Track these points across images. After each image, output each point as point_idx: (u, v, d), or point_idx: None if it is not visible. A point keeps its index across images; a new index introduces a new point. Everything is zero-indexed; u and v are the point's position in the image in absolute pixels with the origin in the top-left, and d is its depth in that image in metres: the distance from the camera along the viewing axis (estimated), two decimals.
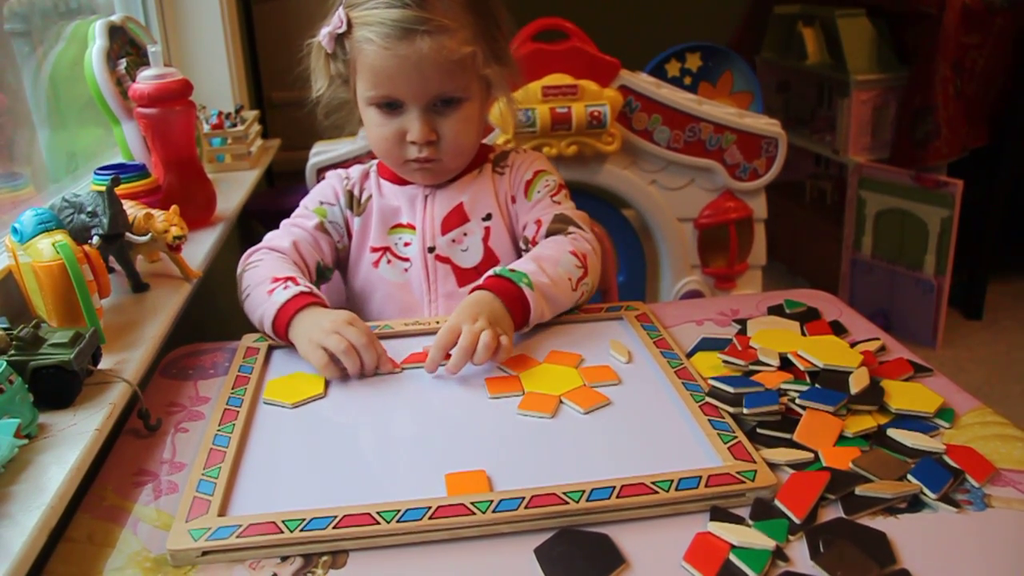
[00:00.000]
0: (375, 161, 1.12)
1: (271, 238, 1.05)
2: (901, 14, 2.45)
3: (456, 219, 1.07)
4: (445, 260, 1.06)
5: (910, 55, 2.43)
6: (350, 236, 1.10)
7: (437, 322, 0.95)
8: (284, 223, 1.08)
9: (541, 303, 0.92)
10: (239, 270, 1.00)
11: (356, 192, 1.10)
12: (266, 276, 0.94)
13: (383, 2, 0.94)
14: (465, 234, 1.07)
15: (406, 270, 1.07)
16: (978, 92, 2.35)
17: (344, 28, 0.97)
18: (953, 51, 2.27)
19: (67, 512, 0.64)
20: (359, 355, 0.84)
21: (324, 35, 1.00)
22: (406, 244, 1.07)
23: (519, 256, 1.08)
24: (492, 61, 1.02)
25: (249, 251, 1.03)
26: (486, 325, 0.85)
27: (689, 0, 3.20)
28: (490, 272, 0.94)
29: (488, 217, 1.07)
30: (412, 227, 1.07)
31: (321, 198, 1.10)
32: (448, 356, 0.84)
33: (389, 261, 1.07)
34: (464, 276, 1.06)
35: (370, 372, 0.85)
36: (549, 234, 1.03)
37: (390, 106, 0.99)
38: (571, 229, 1.03)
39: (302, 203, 1.11)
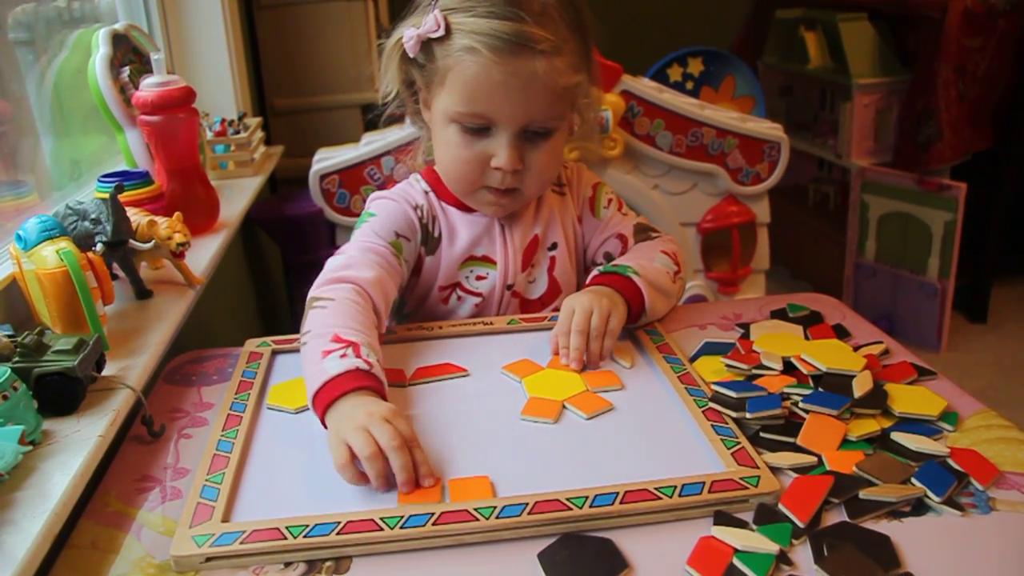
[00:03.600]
0: (418, 176, 1.03)
1: (350, 264, 0.91)
2: (903, 17, 2.45)
3: (532, 253, 1.02)
4: (518, 295, 1.02)
5: (912, 58, 2.43)
6: (417, 271, 1.00)
7: (440, 327, 0.96)
8: (358, 247, 0.94)
9: (651, 291, 0.92)
10: (310, 295, 0.87)
11: (431, 227, 0.99)
12: (328, 330, 0.80)
13: (494, 12, 0.85)
14: (533, 266, 1.02)
15: (477, 305, 1.01)
16: (981, 95, 2.34)
17: (441, 33, 0.87)
18: (955, 54, 2.27)
19: (71, 519, 0.64)
20: (384, 460, 0.67)
21: (411, 37, 0.90)
22: (479, 278, 1.00)
23: (579, 284, 1.07)
24: (589, 92, 0.96)
25: (326, 275, 0.89)
26: (594, 305, 0.87)
27: (691, 5, 3.21)
28: (594, 272, 0.95)
29: (554, 247, 1.03)
30: (490, 260, 1.00)
31: (396, 229, 0.97)
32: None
33: (459, 297, 1.01)
34: (529, 308, 1.03)
35: (402, 484, 0.67)
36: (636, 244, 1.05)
37: (477, 128, 0.90)
38: (653, 235, 1.06)
39: (368, 227, 0.97)
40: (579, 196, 1.06)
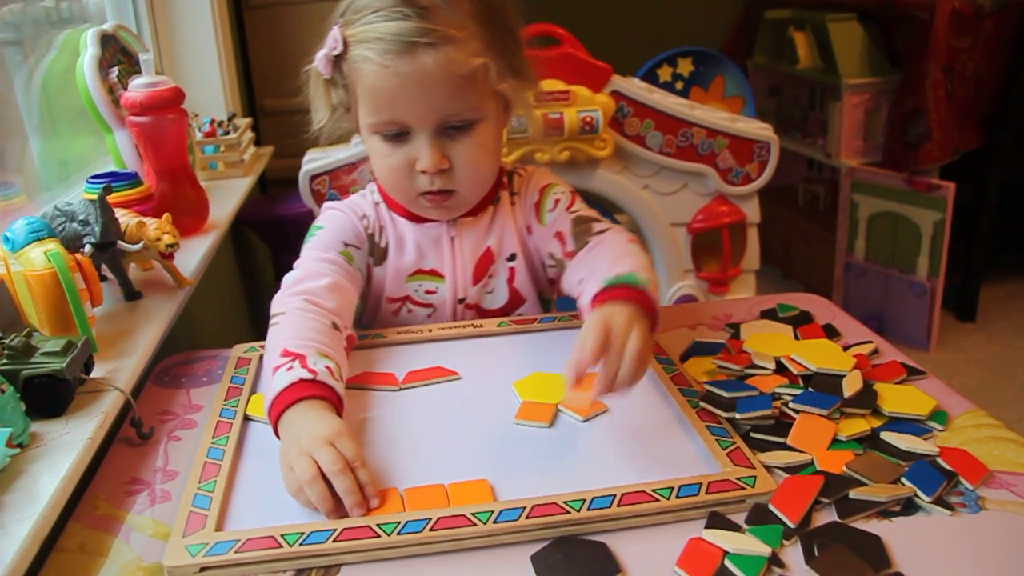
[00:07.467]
0: (373, 187, 1.00)
1: (303, 277, 0.88)
2: (891, 18, 2.46)
3: (485, 265, 0.98)
4: (472, 307, 1.00)
5: (901, 59, 2.44)
6: (369, 281, 0.99)
7: (430, 330, 0.95)
8: (308, 258, 0.93)
9: (656, 297, 0.82)
10: (271, 313, 0.85)
11: (377, 237, 0.98)
12: (278, 345, 0.78)
13: (381, 15, 0.84)
14: (491, 276, 0.99)
15: (429, 315, 0.99)
16: (969, 95, 2.36)
17: (340, 49, 0.86)
18: (944, 54, 2.28)
19: (59, 522, 0.64)
20: (325, 484, 0.65)
21: (320, 59, 0.89)
22: (429, 292, 0.98)
23: (540, 293, 1.03)
24: (508, 75, 0.90)
25: (281, 292, 0.87)
26: (635, 329, 0.73)
27: (681, 5, 3.21)
28: (607, 282, 0.81)
29: (512, 257, 0.99)
30: (438, 275, 0.98)
31: (344, 239, 0.95)
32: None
33: (410, 310, 0.99)
34: (488, 318, 1.00)
35: (350, 507, 0.64)
36: (576, 238, 0.94)
37: (396, 134, 0.88)
38: (597, 227, 0.94)
39: (315, 240, 0.95)
40: (526, 204, 1.00)
